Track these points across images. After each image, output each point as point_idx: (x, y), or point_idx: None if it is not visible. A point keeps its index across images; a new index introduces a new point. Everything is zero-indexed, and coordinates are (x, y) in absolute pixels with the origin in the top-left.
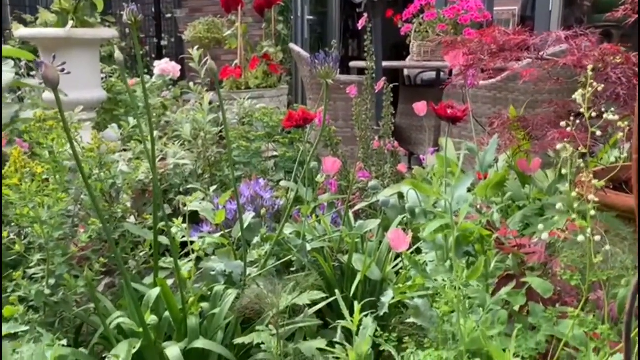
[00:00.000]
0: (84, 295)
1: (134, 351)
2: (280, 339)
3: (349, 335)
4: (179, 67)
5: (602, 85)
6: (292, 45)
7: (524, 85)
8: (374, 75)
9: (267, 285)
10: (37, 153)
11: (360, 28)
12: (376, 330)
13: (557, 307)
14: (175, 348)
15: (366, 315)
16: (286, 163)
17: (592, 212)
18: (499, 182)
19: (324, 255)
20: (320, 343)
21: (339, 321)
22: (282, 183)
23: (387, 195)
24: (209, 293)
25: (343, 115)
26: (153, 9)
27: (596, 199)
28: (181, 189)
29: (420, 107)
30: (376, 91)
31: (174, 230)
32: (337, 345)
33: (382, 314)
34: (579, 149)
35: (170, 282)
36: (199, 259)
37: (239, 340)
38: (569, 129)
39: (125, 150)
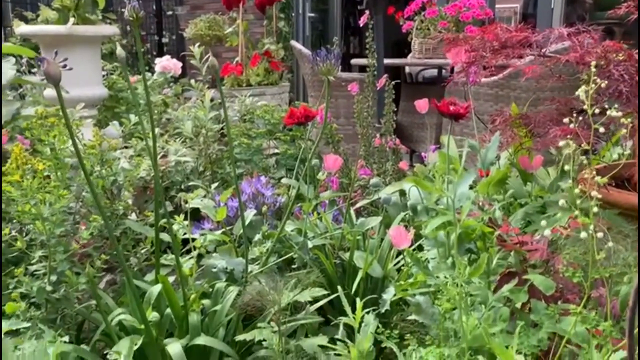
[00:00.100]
0: (86, 292)
1: (135, 348)
2: (282, 335)
3: (350, 332)
4: (180, 64)
5: (605, 82)
6: (293, 43)
7: (526, 83)
8: (375, 72)
9: (268, 282)
10: (39, 150)
11: (361, 25)
12: (378, 327)
13: (559, 304)
14: (177, 345)
15: (368, 312)
16: (287, 160)
17: (595, 209)
18: (500, 179)
19: (325, 252)
20: (322, 340)
21: (340, 318)
22: (284, 180)
23: (389, 193)
24: (211, 290)
25: (344, 113)
26: (154, 6)
27: (599, 196)
28: (182, 186)
29: (422, 105)
30: (378, 88)
31: (175, 227)
32: (338, 342)
33: (383, 311)
34: (581, 146)
35: (171, 279)
36: (200, 256)
37: (240, 337)
38: (571, 125)
39: (126, 147)
